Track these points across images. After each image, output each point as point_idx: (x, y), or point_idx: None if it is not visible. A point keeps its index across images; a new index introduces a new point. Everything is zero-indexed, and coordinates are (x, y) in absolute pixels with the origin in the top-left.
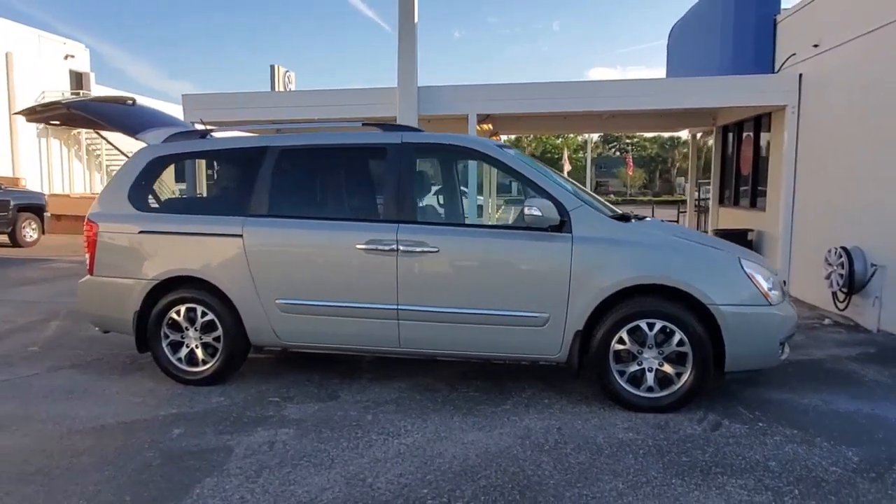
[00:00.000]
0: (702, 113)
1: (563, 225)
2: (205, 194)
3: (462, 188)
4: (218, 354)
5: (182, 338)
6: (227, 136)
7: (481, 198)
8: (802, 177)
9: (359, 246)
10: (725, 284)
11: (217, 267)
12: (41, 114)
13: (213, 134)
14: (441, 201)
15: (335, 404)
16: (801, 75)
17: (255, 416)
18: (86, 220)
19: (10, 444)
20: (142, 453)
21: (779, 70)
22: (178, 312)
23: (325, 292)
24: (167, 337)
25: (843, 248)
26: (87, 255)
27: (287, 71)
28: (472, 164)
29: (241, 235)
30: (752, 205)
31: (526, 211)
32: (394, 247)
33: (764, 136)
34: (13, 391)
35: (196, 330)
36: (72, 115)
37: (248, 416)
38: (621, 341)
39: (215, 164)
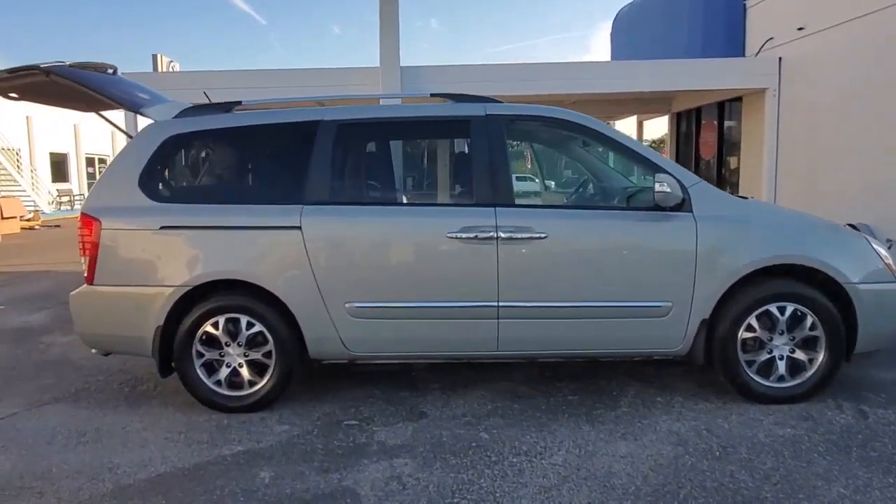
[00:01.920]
0: (658, 99)
1: (682, 203)
2: (232, 180)
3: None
4: (269, 373)
5: (221, 356)
6: (259, 109)
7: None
8: (783, 160)
9: (450, 234)
10: (858, 262)
11: (267, 267)
12: (6, 81)
13: (239, 107)
14: (534, 181)
15: (429, 423)
16: (780, 59)
17: (346, 445)
18: (81, 216)
19: None
20: None
21: (757, 54)
22: (215, 325)
23: (408, 292)
24: (201, 356)
25: (851, 225)
26: (85, 261)
27: (171, 61)
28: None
29: (298, 227)
30: None
31: (657, 187)
32: (492, 234)
33: (728, 123)
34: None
35: (240, 345)
36: (43, 85)
37: (338, 446)
38: (749, 328)
39: (246, 142)
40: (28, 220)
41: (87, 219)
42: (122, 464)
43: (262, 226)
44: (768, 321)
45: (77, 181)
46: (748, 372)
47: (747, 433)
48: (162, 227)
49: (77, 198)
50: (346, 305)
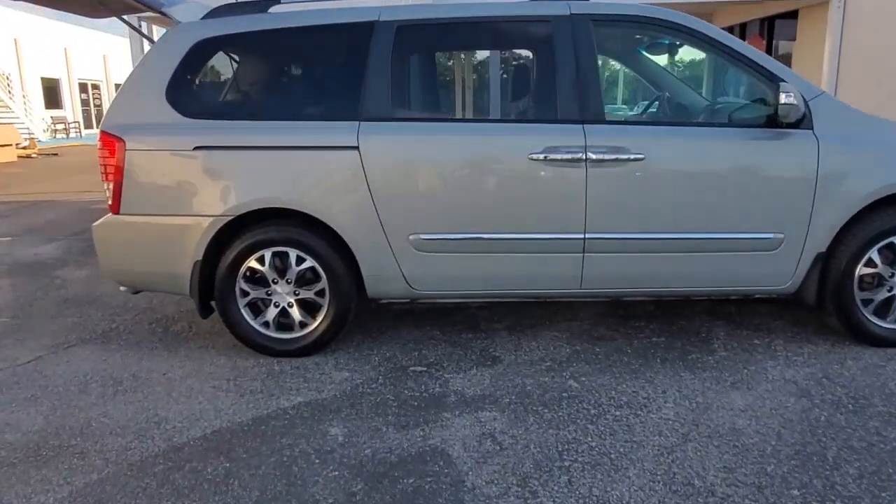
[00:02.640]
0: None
1: (801, 119)
2: (276, 92)
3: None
4: (322, 314)
5: (268, 294)
6: (300, 8)
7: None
8: (845, 79)
9: (532, 156)
10: None
11: (319, 193)
12: None
13: (275, 7)
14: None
15: (506, 369)
16: None
17: (420, 395)
18: (100, 135)
19: (93, 481)
20: (325, 478)
21: None
22: (260, 260)
23: (482, 221)
24: (245, 295)
25: None
26: (108, 187)
27: None
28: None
29: (356, 147)
30: None
31: (783, 98)
32: (580, 155)
33: (777, 40)
34: (25, 386)
35: (289, 283)
36: None
37: (411, 396)
38: (870, 263)
39: (291, 48)
40: (24, 147)
41: (109, 138)
42: (170, 417)
43: (313, 145)
44: (890, 255)
45: (71, 108)
46: (864, 312)
47: (874, 381)
48: (196, 148)
49: (72, 125)
50: (411, 238)
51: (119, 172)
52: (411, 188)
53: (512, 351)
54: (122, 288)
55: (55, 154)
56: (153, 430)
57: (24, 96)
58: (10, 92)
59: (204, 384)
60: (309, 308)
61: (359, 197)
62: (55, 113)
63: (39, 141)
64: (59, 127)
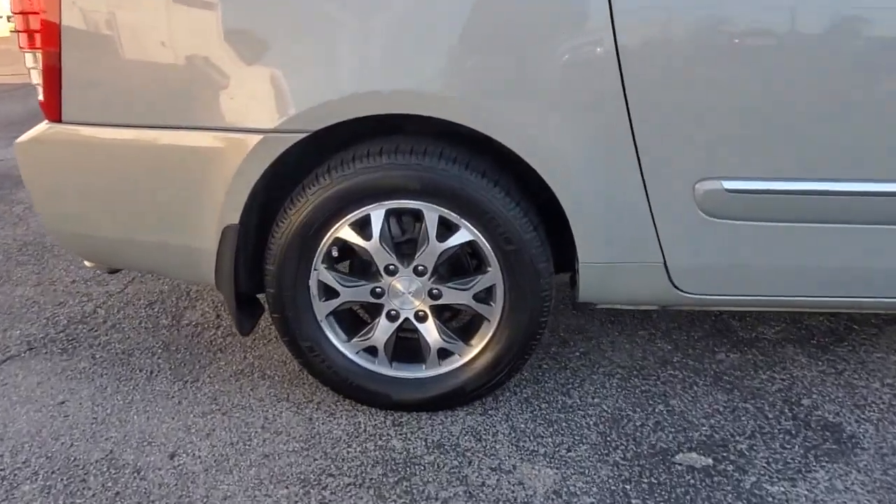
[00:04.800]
0: None
1: None
2: None
3: None
4: (485, 333)
5: (376, 294)
6: None
7: None
8: None
9: None
10: None
11: (513, 89)
12: None
13: None
14: None
15: (873, 462)
16: None
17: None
18: None
19: None
20: None
21: None
22: (361, 227)
23: (850, 163)
24: (330, 293)
25: None
26: (38, 70)
27: None
28: None
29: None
30: None
31: None
32: None
33: None
34: None
35: (420, 273)
36: None
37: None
38: None
39: None
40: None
41: None
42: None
43: None
44: None
45: None
46: None
47: None
48: None
49: None
50: (700, 188)
51: (53, 36)
52: (718, 87)
53: (876, 421)
54: (87, 263)
55: None
56: None
57: None
58: None
59: (239, 489)
60: (458, 322)
61: (599, 100)
62: None
63: None
64: None
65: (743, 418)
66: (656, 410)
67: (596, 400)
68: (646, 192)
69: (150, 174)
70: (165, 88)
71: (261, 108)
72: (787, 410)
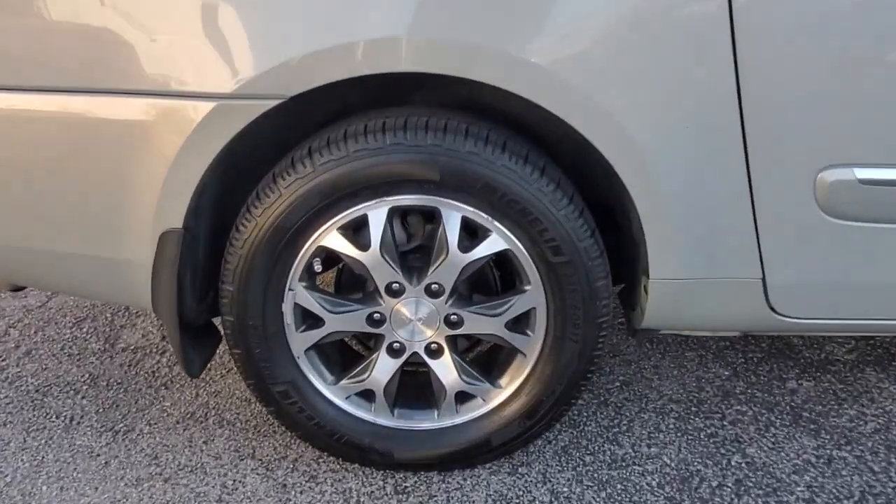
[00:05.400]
0: None
1: None
2: None
3: None
4: (520, 371)
5: (376, 322)
6: None
7: None
8: None
9: None
10: None
11: (578, 48)
12: None
13: None
14: None
15: None
16: None
17: None
18: None
19: None
20: None
21: None
22: (350, 232)
23: None
24: (311, 321)
25: None
26: None
27: None
28: None
29: None
30: None
31: None
32: None
33: None
34: None
35: (434, 293)
36: None
37: None
38: None
39: None
40: None
41: None
42: None
43: None
44: None
45: None
46: None
47: None
48: None
49: None
50: (826, 177)
51: None
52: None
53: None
54: None
55: None
56: None
57: None
58: None
59: None
60: (474, 354)
61: (701, 64)
62: None
63: None
64: None
65: (844, 473)
66: (732, 463)
67: (653, 449)
68: (750, 186)
69: (54, 157)
70: (73, 32)
71: (214, 62)
72: (894, 460)
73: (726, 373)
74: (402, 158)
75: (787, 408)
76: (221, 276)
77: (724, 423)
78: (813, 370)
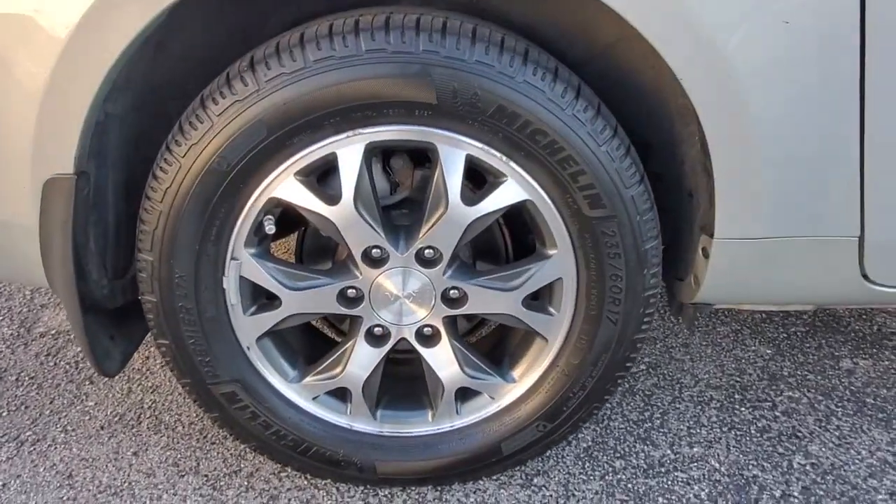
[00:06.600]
0: None
1: None
2: None
3: None
4: (538, 361)
5: (352, 300)
6: None
7: None
8: None
9: None
10: None
11: None
12: None
13: None
14: None
15: None
16: None
17: None
18: None
19: None
20: None
21: None
22: (313, 178)
23: None
24: (265, 303)
25: None
26: None
27: None
28: None
29: None
30: None
31: None
32: None
33: None
34: None
35: (430, 260)
36: None
37: None
38: None
39: None
40: None
41: None
42: None
43: None
44: None
45: None
46: None
47: None
48: None
49: None
50: None
51: None
52: None
53: None
54: None
55: None
56: None
57: None
58: None
59: None
60: (476, 338)
61: None
62: None
63: None
64: None
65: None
66: (795, 465)
67: (696, 450)
68: (862, 121)
69: None
70: None
71: None
72: None
73: (769, 351)
74: (384, 72)
75: (847, 393)
76: (137, 241)
77: (777, 413)
78: (868, 346)
